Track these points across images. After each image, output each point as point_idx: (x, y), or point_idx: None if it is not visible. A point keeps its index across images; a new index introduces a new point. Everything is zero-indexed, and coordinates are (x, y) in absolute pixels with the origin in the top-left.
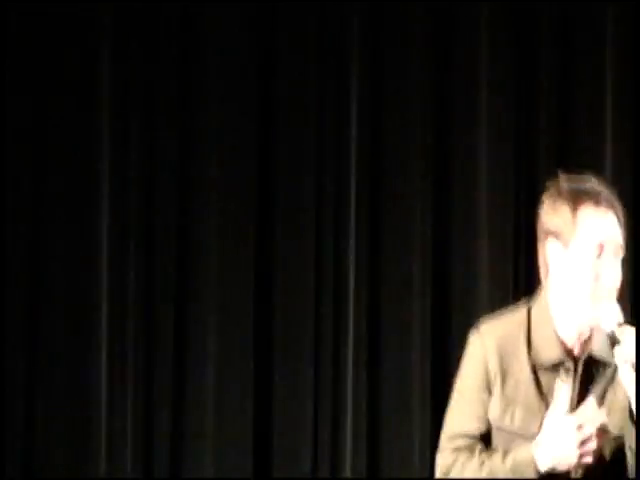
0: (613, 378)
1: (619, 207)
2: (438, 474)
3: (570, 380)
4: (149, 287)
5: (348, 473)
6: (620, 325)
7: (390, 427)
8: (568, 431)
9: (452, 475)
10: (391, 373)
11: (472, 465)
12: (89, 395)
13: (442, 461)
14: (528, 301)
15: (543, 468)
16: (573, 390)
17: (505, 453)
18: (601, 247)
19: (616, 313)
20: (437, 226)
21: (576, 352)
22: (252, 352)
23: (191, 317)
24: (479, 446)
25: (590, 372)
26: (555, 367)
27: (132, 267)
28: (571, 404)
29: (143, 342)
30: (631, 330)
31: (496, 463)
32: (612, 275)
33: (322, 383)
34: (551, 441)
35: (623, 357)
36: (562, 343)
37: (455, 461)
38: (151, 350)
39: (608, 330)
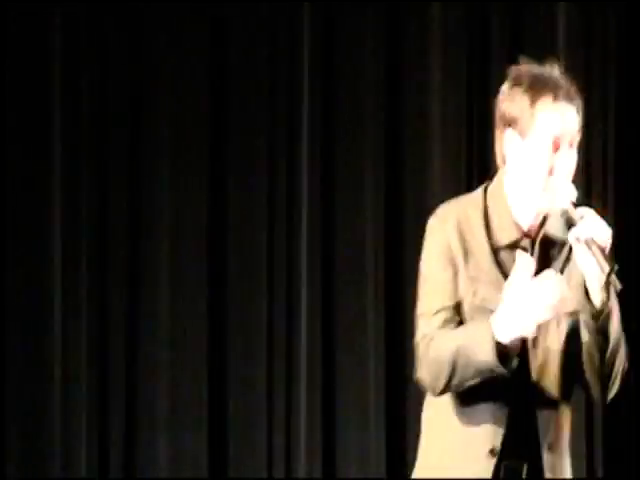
0: (569, 258)
1: (577, 96)
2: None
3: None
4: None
5: (303, 474)
6: (574, 204)
7: (346, 426)
8: (526, 299)
9: (434, 343)
10: (347, 381)
11: (445, 336)
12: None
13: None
14: (484, 186)
15: (501, 337)
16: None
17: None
18: (557, 142)
19: (570, 193)
20: None
21: (532, 233)
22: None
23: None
24: (458, 318)
25: (546, 252)
26: (512, 247)
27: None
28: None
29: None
30: (587, 210)
31: (458, 331)
32: (567, 166)
33: (276, 382)
34: (509, 309)
35: (576, 236)
36: (518, 225)
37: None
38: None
39: (562, 209)
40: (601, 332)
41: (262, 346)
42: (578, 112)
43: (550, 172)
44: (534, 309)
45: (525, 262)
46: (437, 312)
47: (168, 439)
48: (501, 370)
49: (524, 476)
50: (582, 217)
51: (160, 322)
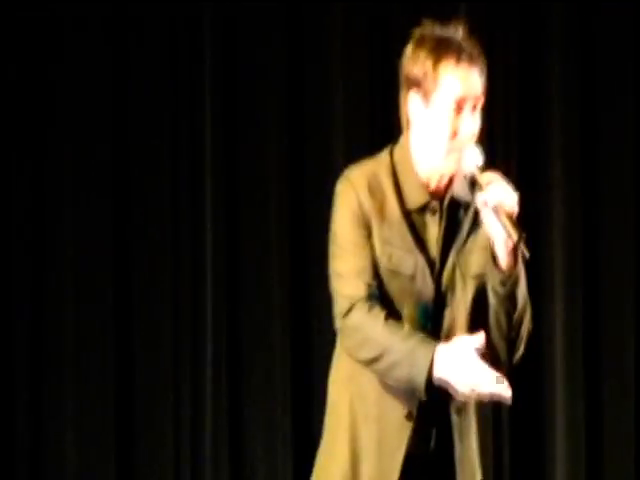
0: (476, 220)
1: (480, 58)
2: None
3: (436, 220)
4: None
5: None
6: (480, 169)
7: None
8: (470, 376)
9: (367, 324)
10: (255, 388)
11: (382, 328)
12: None
13: (353, 292)
14: (390, 149)
15: (436, 373)
16: (439, 230)
17: (410, 336)
18: (459, 104)
19: (476, 157)
20: None
21: (440, 195)
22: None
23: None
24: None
25: (454, 214)
26: (422, 209)
27: None
28: (437, 243)
29: None
30: (494, 175)
31: (396, 341)
32: (470, 129)
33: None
34: (455, 369)
35: (483, 201)
36: (426, 186)
37: (371, 310)
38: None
39: (468, 173)
40: (508, 298)
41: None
42: (481, 75)
43: (453, 135)
44: (469, 385)
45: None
46: (359, 274)
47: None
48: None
49: (433, 440)
50: (489, 182)
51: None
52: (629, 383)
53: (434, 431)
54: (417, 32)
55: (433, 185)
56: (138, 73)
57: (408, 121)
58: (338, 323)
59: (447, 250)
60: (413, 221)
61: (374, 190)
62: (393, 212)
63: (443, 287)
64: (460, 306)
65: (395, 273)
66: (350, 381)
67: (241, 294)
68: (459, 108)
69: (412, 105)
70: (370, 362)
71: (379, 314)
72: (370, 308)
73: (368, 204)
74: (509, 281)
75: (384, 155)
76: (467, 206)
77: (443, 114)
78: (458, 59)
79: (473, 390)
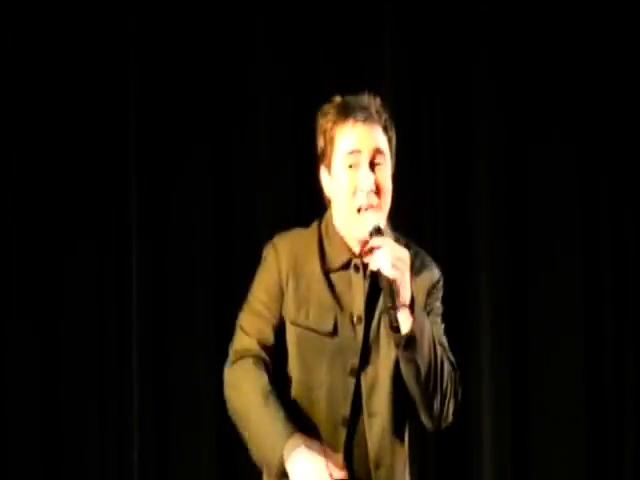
0: None
1: (386, 120)
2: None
3: (361, 277)
4: None
5: None
6: (372, 234)
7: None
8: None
9: (242, 386)
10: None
11: (252, 397)
12: None
13: (233, 368)
14: (318, 221)
15: (291, 468)
16: (364, 286)
17: (276, 421)
18: (352, 156)
19: (371, 221)
20: None
21: (363, 255)
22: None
23: None
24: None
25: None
26: (344, 268)
27: None
28: (364, 298)
29: None
30: (383, 241)
31: (260, 420)
32: (368, 182)
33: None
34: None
35: (374, 265)
36: (350, 249)
37: (250, 371)
38: None
39: (367, 238)
40: (408, 360)
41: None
42: (385, 134)
43: (354, 192)
44: None
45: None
46: (256, 333)
47: None
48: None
49: None
50: (377, 247)
51: None
52: None
53: None
54: (325, 105)
55: (358, 249)
56: None
57: (324, 193)
58: (224, 370)
59: (372, 308)
60: (336, 281)
61: (296, 256)
62: (314, 274)
63: (368, 344)
64: (385, 363)
65: (312, 331)
66: None
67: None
68: (352, 161)
69: (323, 178)
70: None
71: (258, 377)
72: (251, 369)
73: (287, 269)
74: (401, 343)
75: (313, 227)
76: None
77: (340, 174)
78: (355, 120)
79: None
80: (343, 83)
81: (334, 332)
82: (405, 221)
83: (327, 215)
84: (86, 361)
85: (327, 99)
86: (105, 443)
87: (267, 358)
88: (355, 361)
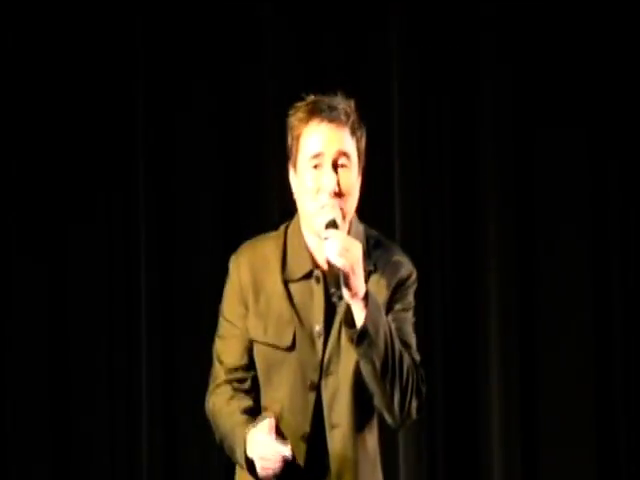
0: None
1: (351, 119)
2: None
3: (321, 289)
4: None
5: None
6: (327, 227)
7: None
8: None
9: (218, 416)
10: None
11: (228, 410)
12: None
13: (212, 397)
14: (287, 224)
15: (249, 453)
16: (324, 297)
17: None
18: (317, 158)
19: (329, 215)
20: None
21: (325, 264)
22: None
23: None
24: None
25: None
26: (306, 278)
27: None
28: (324, 311)
29: None
30: (334, 232)
31: (233, 424)
32: (328, 183)
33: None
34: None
35: (325, 254)
36: (312, 257)
37: (218, 399)
38: None
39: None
40: (363, 355)
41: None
42: (352, 136)
43: (317, 191)
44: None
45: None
46: (226, 357)
47: None
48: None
49: None
50: (326, 238)
51: None
52: None
53: None
54: (295, 104)
55: (318, 255)
56: None
57: (291, 193)
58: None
59: (333, 319)
60: (296, 292)
61: (258, 265)
62: (274, 286)
63: (328, 354)
64: (347, 370)
65: (272, 346)
66: None
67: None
68: (316, 163)
69: (290, 177)
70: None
71: (224, 397)
72: (221, 392)
73: (247, 281)
74: (353, 337)
75: (280, 231)
76: None
77: (305, 174)
78: (320, 120)
79: (261, 466)
80: (350, 71)
81: (292, 347)
82: (413, 205)
83: (295, 218)
84: (95, 343)
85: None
86: (115, 431)
87: (242, 380)
88: (315, 376)
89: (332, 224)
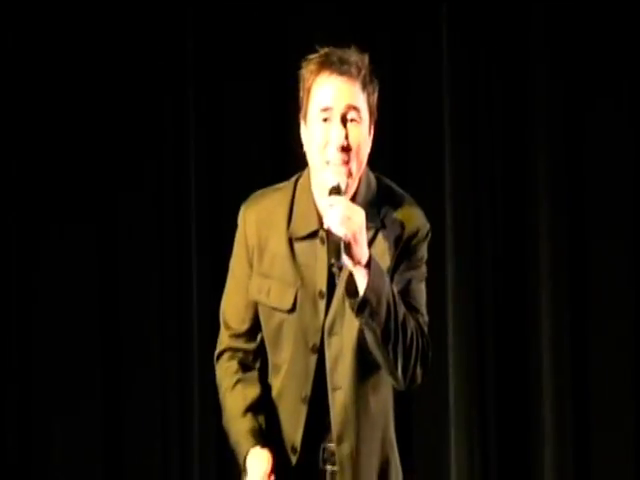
0: (369, 244)
1: (366, 77)
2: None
3: (324, 249)
4: None
5: None
6: (330, 192)
7: None
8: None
9: (221, 385)
10: None
11: (233, 400)
12: None
13: (219, 365)
14: (297, 176)
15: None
16: (328, 258)
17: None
18: (325, 111)
19: (330, 179)
20: None
21: None
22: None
23: None
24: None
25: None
26: (311, 237)
27: None
28: (327, 272)
29: None
30: (337, 199)
31: (238, 431)
32: (336, 137)
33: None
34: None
35: (326, 223)
36: (319, 215)
37: (227, 369)
38: None
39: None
40: (364, 323)
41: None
42: (363, 91)
43: (324, 146)
44: None
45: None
46: (230, 320)
47: None
48: None
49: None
50: (330, 206)
51: None
52: None
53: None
54: (308, 56)
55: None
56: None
57: (302, 145)
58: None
59: (336, 278)
60: (301, 251)
61: (264, 221)
62: (279, 244)
63: (332, 316)
64: (350, 332)
65: (274, 309)
66: None
67: None
68: (325, 116)
69: (301, 129)
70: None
71: (230, 377)
72: (227, 367)
73: (253, 239)
74: (354, 306)
75: (289, 183)
76: None
77: (314, 126)
78: (331, 73)
79: None
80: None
81: (293, 309)
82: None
83: (306, 171)
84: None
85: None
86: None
87: (246, 351)
88: (317, 337)
89: (336, 190)
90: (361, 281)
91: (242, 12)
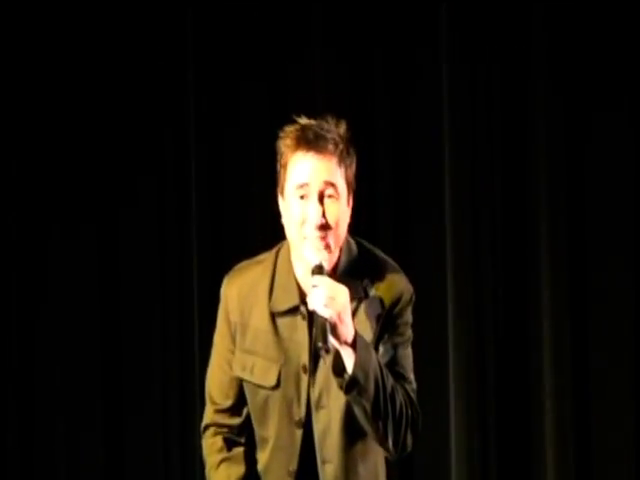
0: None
1: (339, 148)
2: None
3: (305, 325)
4: None
5: None
6: (313, 272)
7: None
8: None
9: (207, 460)
10: None
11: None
12: None
13: (205, 441)
14: (279, 247)
15: None
16: (314, 341)
17: None
18: (302, 188)
19: (312, 257)
20: None
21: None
22: None
23: None
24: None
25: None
26: (292, 312)
27: None
28: (309, 347)
29: None
30: (321, 279)
31: None
32: (313, 215)
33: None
34: None
35: (310, 305)
36: (300, 289)
37: (212, 446)
38: None
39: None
40: (353, 401)
41: None
42: (340, 165)
43: (302, 223)
44: None
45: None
46: (214, 395)
47: None
48: None
49: None
50: (314, 286)
51: None
52: None
53: None
54: (285, 129)
55: (306, 287)
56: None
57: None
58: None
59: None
60: (283, 326)
61: (246, 297)
62: (261, 320)
63: (318, 389)
64: (338, 404)
65: (259, 386)
66: None
67: None
68: (302, 193)
69: (279, 202)
70: None
71: (215, 455)
72: (212, 443)
73: (235, 315)
74: (343, 386)
75: (271, 255)
76: None
77: (291, 202)
78: (307, 149)
79: None
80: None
81: (277, 386)
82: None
83: (285, 246)
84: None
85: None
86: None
87: (231, 427)
88: (301, 412)
89: (318, 269)
90: (348, 360)
91: (242, 15)
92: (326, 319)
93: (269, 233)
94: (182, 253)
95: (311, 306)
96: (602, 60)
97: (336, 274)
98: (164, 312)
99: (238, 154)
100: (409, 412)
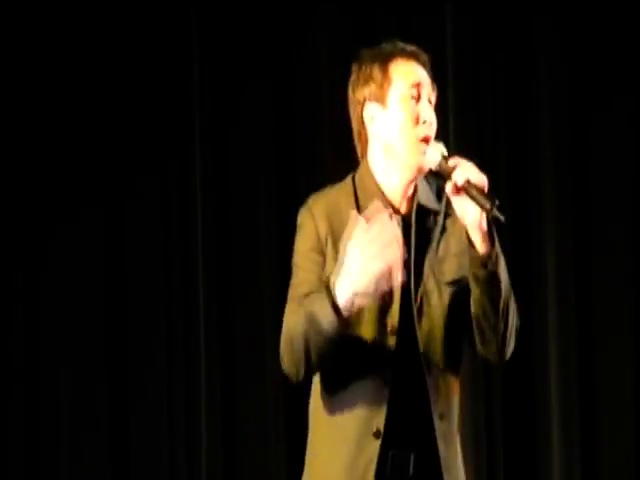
0: (444, 227)
1: (429, 66)
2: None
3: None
4: None
5: None
6: (445, 157)
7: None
8: (355, 254)
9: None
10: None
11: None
12: None
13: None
14: (352, 175)
15: (339, 298)
16: (410, 244)
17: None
18: (417, 90)
19: (440, 148)
20: None
21: (404, 209)
22: None
23: None
24: None
25: (422, 223)
26: None
27: None
28: (408, 258)
29: None
30: (458, 158)
31: (305, 301)
32: (430, 115)
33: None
34: (344, 268)
35: (453, 183)
36: (389, 203)
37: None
38: None
39: (434, 164)
40: (491, 280)
41: None
42: (429, 75)
43: (416, 122)
44: (363, 263)
45: (360, 221)
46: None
47: None
48: (342, 331)
49: (411, 466)
50: (455, 165)
51: None
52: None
53: (412, 457)
54: (359, 57)
55: (396, 199)
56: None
57: (366, 135)
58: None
59: (420, 260)
60: None
61: (333, 212)
62: (351, 231)
63: (419, 297)
64: (437, 313)
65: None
66: (324, 407)
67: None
68: (417, 95)
69: (369, 115)
70: (305, 351)
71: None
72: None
73: (325, 230)
74: (489, 261)
75: (346, 182)
76: (434, 213)
77: (403, 103)
78: (405, 57)
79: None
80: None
81: None
82: None
83: (361, 167)
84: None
85: None
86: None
87: None
88: (395, 319)
89: (445, 158)
90: (477, 237)
91: (246, 14)
92: (481, 185)
93: (274, 229)
94: (187, 251)
95: (463, 177)
96: (605, 58)
97: (415, 201)
98: (169, 311)
99: (243, 151)
100: (517, 317)
